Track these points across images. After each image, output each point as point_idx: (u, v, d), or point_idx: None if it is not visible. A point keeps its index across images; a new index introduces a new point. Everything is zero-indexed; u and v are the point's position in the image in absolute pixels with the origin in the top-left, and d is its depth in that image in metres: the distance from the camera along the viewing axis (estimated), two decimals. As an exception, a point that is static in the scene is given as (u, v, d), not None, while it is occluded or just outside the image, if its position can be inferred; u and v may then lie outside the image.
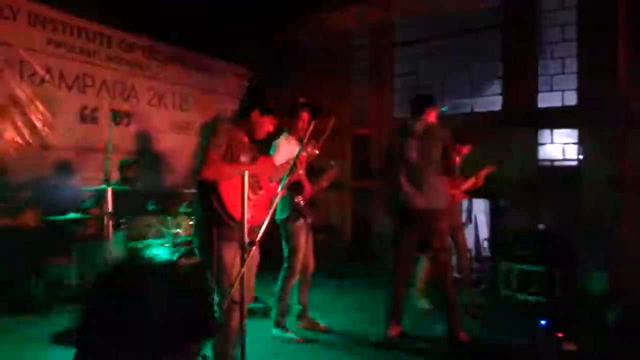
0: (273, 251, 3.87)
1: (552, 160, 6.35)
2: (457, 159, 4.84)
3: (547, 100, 6.31)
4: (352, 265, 6.96)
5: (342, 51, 7.74)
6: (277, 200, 2.71)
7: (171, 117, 6.67)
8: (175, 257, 4.66)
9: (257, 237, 2.35)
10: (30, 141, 5.11)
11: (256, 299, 4.43)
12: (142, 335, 0.85)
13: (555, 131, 6.35)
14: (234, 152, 2.79)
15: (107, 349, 0.86)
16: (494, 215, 6.36)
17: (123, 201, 4.46)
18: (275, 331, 3.98)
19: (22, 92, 5.05)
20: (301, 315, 4.19)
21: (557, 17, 6.30)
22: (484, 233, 6.38)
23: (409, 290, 4.43)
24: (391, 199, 3.99)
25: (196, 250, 2.91)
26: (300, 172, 3.76)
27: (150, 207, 5.08)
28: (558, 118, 6.21)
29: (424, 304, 4.77)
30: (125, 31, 6.02)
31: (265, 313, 4.39)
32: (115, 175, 5.07)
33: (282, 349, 3.77)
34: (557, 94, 6.27)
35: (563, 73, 6.24)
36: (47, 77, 5.26)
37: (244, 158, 2.85)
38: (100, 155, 5.13)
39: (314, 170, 4.07)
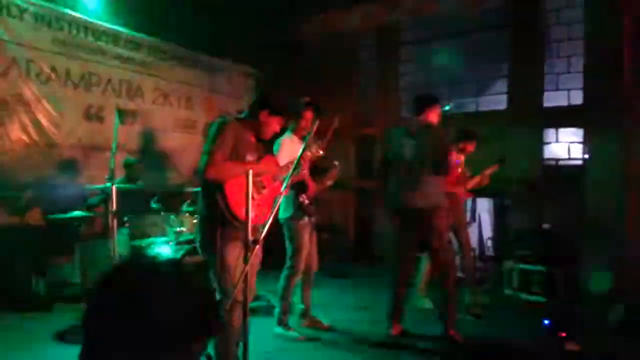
0: (276, 250, 3.87)
1: (557, 160, 6.33)
2: (462, 157, 4.84)
3: (552, 99, 6.28)
4: (355, 264, 6.98)
5: (348, 50, 7.73)
6: (281, 199, 2.72)
7: (176, 116, 6.70)
8: (179, 256, 4.68)
9: (260, 236, 2.36)
10: (37, 139, 5.16)
11: (259, 298, 4.44)
12: (146, 335, 0.85)
13: (561, 130, 6.33)
14: (240, 151, 2.80)
15: (111, 348, 0.86)
16: (498, 214, 6.34)
17: (127, 200, 4.48)
18: (278, 330, 3.99)
19: (29, 90, 5.10)
20: (304, 314, 4.19)
21: (563, 15, 6.27)
22: (487, 232, 6.37)
23: (410, 289, 4.43)
24: (390, 199, 4.00)
25: (199, 249, 2.92)
26: (304, 171, 3.77)
27: (154, 205, 5.10)
28: (563, 117, 6.19)
29: (425, 303, 4.77)
30: (131, 30, 6.05)
31: (268, 311, 4.40)
32: (119, 174, 5.10)
33: (285, 347, 3.77)
34: (563, 93, 6.24)
35: (569, 72, 6.21)
36: (53, 75, 5.29)
37: (250, 157, 2.85)
38: (105, 154, 5.15)
39: (317, 169, 4.08)
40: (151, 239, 4.69)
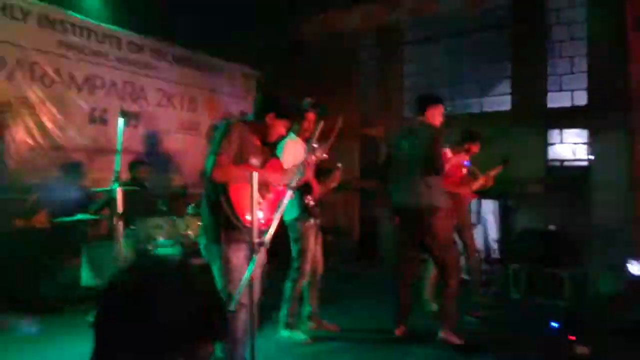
0: (281, 252, 3.87)
1: (562, 161, 6.31)
2: (466, 158, 4.82)
3: (556, 100, 6.27)
4: (360, 265, 6.96)
5: (348, 51, 7.73)
6: (285, 203, 2.71)
7: (179, 118, 6.70)
8: (184, 258, 4.67)
9: (265, 239, 2.35)
10: (41, 142, 5.16)
11: (264, 300, 4.42)
12: (150, 336, 0.85)
13: (565, 131, 6.31)
14: (245, 154, 2.79)
15: (116, 350, 0.86)
16: (503, 216, 6.31)
17: (132, 202, 4.47)
18: (285, 333, 3.98)
19: (33, 93, 5.10)
20: (310, 316, 4.18)
21: (563, 15, 6.26)
22: (493, 234, 6.35)
23: (415, 290, 4.41)
24: (390, 199, 4.00)
25: (203, 252, 2.91)
26: (309, 173, 3.76)
27: (160, 207, 5.10)
28: (567, 118, 6.17)
29: (432, 306, 4.74)
30: (134, 33, 6.06)
31: (274, 314, 4.38)
32: (124, 176, 5.09)
33: (292, 349, 3.77)
34: (567, 94, 6.23)
35: (572, 73, 6.20)
36: (57, 78, 5.30)
37: (254, 160, 2.84)
38: (109, 156, 5.17)
39: (321, 171, 4.07)
40: (157, 242, 4.68)
